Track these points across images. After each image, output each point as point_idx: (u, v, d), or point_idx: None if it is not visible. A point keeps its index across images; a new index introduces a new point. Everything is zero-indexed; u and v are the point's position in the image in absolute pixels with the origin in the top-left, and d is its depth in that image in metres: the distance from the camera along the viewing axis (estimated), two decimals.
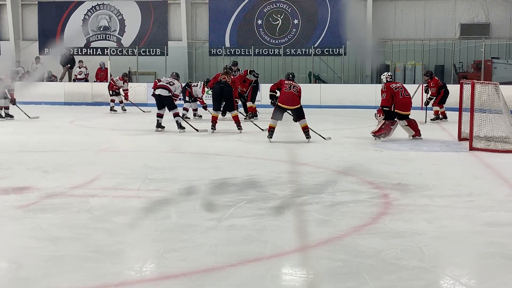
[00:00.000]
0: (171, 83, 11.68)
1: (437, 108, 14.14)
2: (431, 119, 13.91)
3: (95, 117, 15.55)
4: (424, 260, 3.83)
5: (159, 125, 11.78)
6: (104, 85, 21.22)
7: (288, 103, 9.98)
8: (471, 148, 9.12)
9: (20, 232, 4.49)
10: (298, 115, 10.04)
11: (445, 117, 14.08)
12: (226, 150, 9.15)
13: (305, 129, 9.98)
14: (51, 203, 5.40)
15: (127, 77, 18.01)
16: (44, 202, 5.44)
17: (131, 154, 8.87)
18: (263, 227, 4.61)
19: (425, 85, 14.55)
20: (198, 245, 4.13)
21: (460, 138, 10.37)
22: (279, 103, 9.99)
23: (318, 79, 21.30)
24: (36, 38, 24.31)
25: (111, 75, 21.64)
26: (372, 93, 18.81)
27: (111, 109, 17.51)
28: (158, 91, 11.58)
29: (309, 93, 17.54)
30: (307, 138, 9.94)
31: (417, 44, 21.45)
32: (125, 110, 17.49)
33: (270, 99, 10.31)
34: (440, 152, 9.09)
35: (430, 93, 13.91)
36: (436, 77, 14.38)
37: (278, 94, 10.15)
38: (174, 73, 12.53)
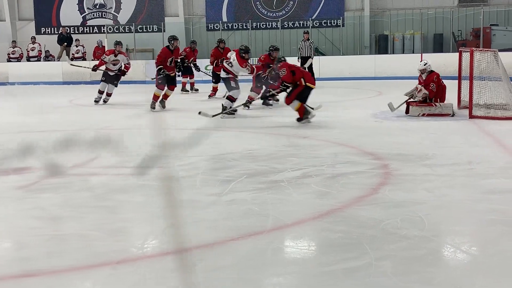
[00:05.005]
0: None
1: None
2: None
3: (94, 96, 15.47)
4: (424, 229, 3.84)
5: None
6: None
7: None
8: (471, 116, 9.11)
9: (21, 212, 4.50)
10: None
11: None
12: (225, 126, 9.13)
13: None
14: (52, 183, 5.40)
15: None
16: (44, 182, 5.44)
17: (130, 132, 8.86)
18: (264, 201, 4.61)
19: None
20: (199, 221, 4.14)
21: (460, 106, 10.34)
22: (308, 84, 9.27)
23: (316, 52, 21.17)
24: (32, 18, 24.14)
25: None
26: (371, 65, 18.75)
27: None
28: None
29: None
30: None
31: (415, 13, 21.27)
32: None
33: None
34: (439, 121, 9.07)
35: None
36: None
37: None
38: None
